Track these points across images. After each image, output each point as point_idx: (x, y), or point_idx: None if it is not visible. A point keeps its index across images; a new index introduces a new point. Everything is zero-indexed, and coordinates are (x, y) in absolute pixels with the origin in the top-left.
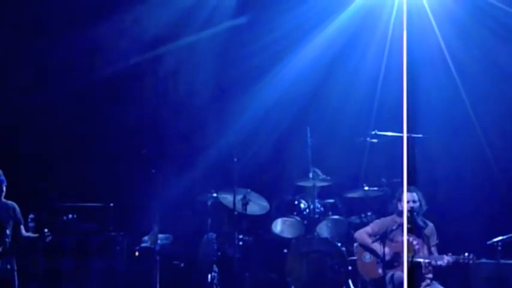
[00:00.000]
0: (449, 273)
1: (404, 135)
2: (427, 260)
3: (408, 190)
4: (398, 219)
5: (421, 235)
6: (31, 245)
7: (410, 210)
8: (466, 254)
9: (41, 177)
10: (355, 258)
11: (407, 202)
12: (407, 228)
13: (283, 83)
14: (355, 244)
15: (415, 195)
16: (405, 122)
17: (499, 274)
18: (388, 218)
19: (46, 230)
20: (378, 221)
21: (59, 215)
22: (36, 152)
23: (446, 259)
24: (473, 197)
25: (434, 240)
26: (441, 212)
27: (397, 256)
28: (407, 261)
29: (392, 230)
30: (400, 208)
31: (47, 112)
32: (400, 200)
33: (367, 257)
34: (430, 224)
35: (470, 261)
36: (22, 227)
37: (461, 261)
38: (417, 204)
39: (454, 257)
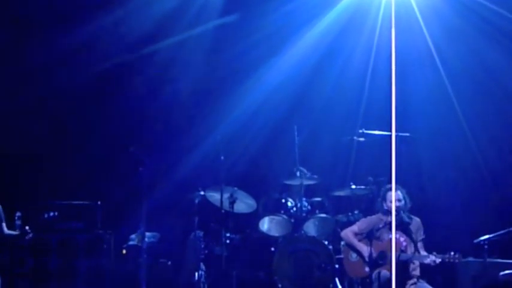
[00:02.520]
0: (436, 271)
1: (393, 134)
2: (413, 260)
3: (395, 189)
4: (384, 217)
5: (407, 232)
6: (14, 243)
7: (397, 209)
8: (452, 253)
9: (28, 175)
10: (341, 256)
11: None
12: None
13: (271, 82)
14: (342, 243)
15: (399, 194)
16: (393, 121)
17: (485, 273)
18: (374, 217)
19: (27, 228)
20: (364, 219)
21: (46, 213)
22: (23, 149)
23: (432, 258)
24: (460, 196)
25: (421, 235)
26: (428, 211)
27: (383, 254)
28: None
29: (378, 229)
30: (386, 207)
31: (34, 110)
32: (385, 199)
33: (354, 256)
34: (416, 219)
35: (456, 260)
36: (4, 224)
37: (447, 260)
38: (402, 202)
39: (440, 256)
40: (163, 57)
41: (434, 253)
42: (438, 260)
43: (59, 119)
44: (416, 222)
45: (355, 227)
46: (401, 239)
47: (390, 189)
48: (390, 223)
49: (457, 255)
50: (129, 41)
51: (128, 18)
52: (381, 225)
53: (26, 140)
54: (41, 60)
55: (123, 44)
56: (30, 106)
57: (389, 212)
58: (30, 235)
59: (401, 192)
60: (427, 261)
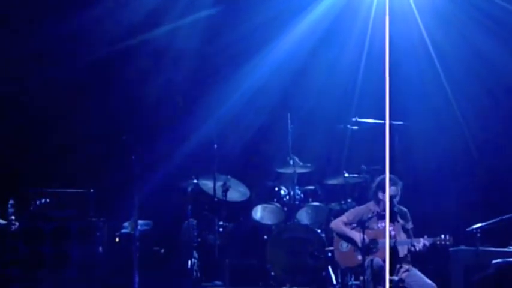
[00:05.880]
0: (428, 259)
1: (386, 122)
2: (404, 245)
3: (393, 184)
4: (373, 207)
5: (395, 221)
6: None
7: (391, 201)
8: (443, 235)
9: (20, 162)
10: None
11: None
12: (382, 215)
13: (264, 70)
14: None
15: (398, 189)
16: (387, 109)
17: (478, 261)
18: (363, 207)
19: (13, 218)
20: (352, 210)
21: (39, 200)
22: (16, 136)
23: (423, 242)
24: (453, 184)
25: (409, 225)
26: (421, 200)
27: (373, 242)
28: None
29: (368, 218)
30: (381, 197)
31: (27, 97)
32: (381, 188)
33: (344, 245)
34: (404, 209)
35: (448, 243)
36: None
37: (438, 243)
38: (397, 198)
39: (430, 239)
40: (157, 46)
41: (425, 236)
42: (429, 243)
43: (51, 107)
44: (403, 212)
45: (343, 218)
46: (390, 228)
47: (391, 183)
48: (378, 213)
49: (448, 238)
50: (123, 29)
51: (120, 7)
52: (369, 215)
53: (18, 127)
54: (33, 49)
55: (117, 32)
56: (22, 94)
57: (382, 202)
58: (16, 225)
59: (398, 186)
60: (419, 245)
